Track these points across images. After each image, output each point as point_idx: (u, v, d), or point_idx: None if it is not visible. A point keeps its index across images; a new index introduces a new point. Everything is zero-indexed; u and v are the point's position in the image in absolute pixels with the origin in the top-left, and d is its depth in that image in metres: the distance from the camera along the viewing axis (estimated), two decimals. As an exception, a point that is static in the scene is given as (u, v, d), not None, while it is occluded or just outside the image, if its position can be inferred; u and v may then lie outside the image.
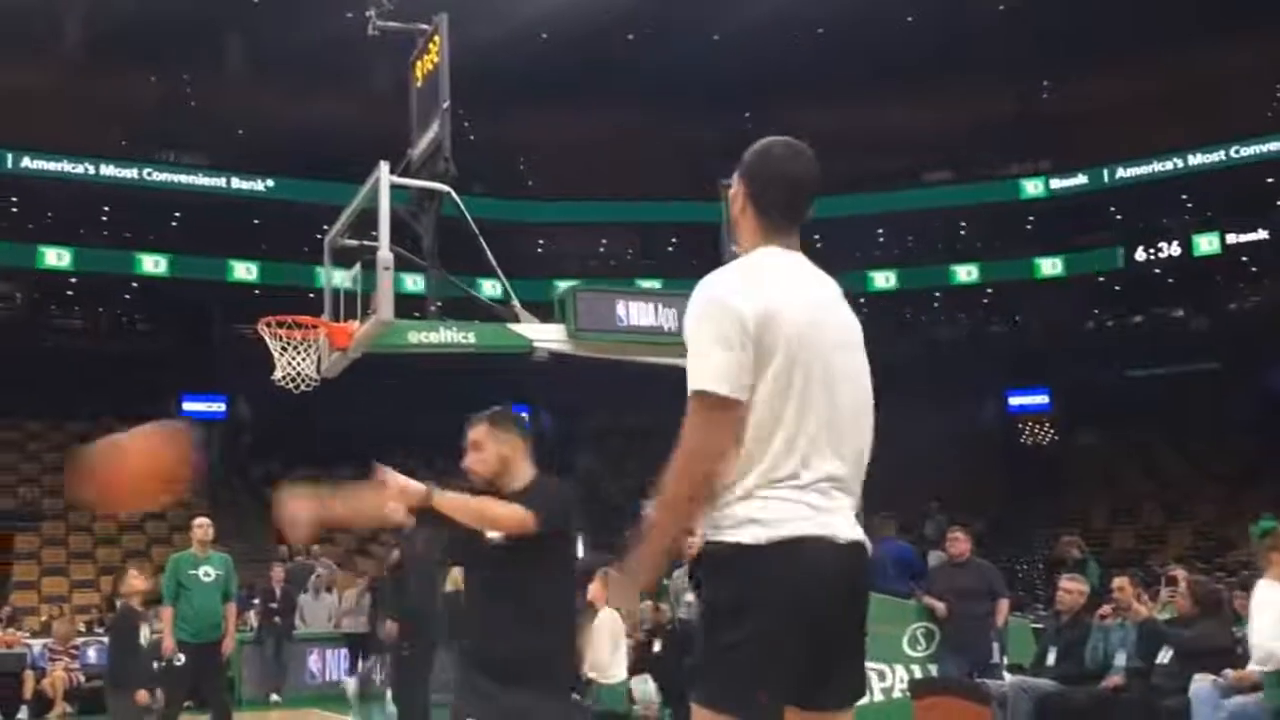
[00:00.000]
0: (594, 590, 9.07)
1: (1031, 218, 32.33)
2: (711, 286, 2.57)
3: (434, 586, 8.85)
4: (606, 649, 8.13)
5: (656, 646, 11.71)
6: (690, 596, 10.93)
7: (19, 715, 13.94)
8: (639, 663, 11.92)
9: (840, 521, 2.54)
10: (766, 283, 2.55)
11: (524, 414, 3.74)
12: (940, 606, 8.88)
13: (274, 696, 14.98)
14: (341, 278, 8.02)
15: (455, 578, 14.21)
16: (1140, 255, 31.08)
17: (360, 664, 15.40)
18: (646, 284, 25.86)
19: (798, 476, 2.50)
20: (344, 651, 15.72)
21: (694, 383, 2.50)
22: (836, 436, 2.56)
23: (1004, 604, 9.29)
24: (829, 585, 2.46)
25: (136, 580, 9.14)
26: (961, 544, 9.55)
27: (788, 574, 2.42)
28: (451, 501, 3.70)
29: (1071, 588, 8.58)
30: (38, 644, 15.06)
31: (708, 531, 2.53)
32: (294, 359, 7.89)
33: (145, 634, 9.54)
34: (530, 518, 3.70)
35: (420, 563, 8.33)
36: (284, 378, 7.87)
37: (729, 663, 2.41)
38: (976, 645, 8.94)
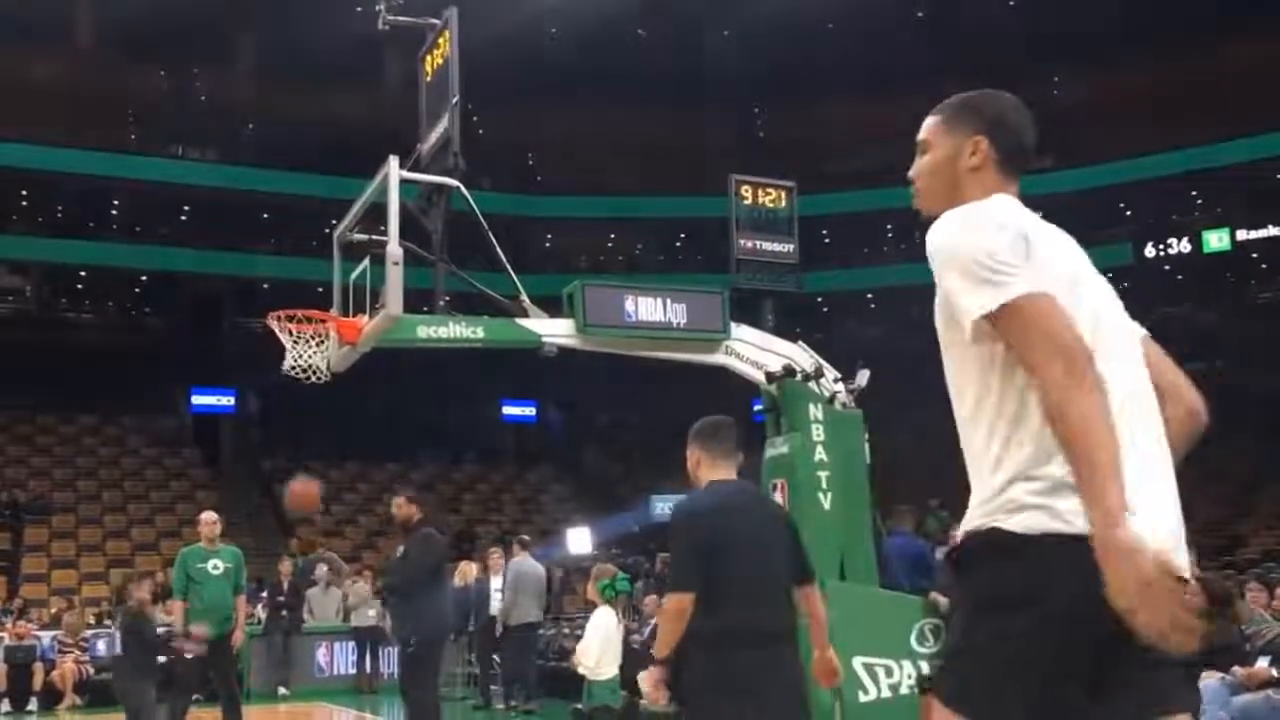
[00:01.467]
0: (590, 590, 9.09)
1: (1040, 213, 32.24)
2: (972, 209, 2.37)
3: (442, 581, 8.85)
4: (598, 646, 8.16)
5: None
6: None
7: (29, 707, 14.01)
8: (645, 659, 11.98)
9: (1160, 523, 2.13)
10: (1028, 216, 2.39)
11: (723, 424, 4.44)
12: (944, 601, 8.89)
13: (282, 689, 15.03)
14: (351, 272, 8.05)
15: (465, 571, 14.28)
16: (1150, 251, 31.02)
17: (369, 657, 15.46)
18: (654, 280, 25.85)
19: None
20: (352, 644, 15.77)
21: (996, 298, 2.16)
22: (1143, 404, 2.25)
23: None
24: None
25: (141, 591, 9.15)
26: (966, 541, 9.53)
27: (1080, 574, 2.00)
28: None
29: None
30: (47, 636, 15.12)
31: (983, 515, 2.19)
32: (304, 353, 7.91)
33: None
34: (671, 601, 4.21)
35: (428, 558, 8.33)
36: (293, 368, 7.89)
37: (992, 659, 2.11)
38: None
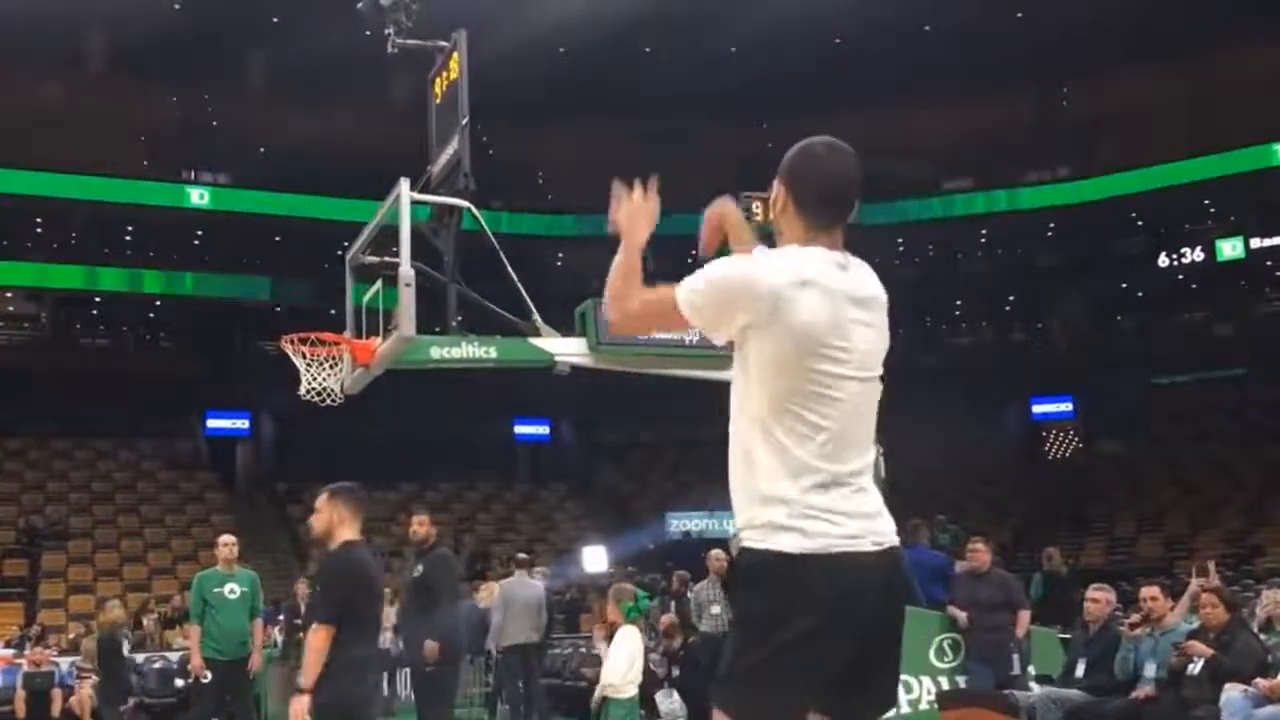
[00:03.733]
0: (610, 611, 9.03)
1: (1052, 225, 32.19)
2: (740, 262, 2.66)
3: (458, 602, 8.82)
4: (623, 666, 8.10)
5: (675, 671, 11.70)
6: (716, 609, 10.92)
7: (47, 733, 14.01)
8: (663, 679, 11.92)
9: (879, 525, 2.53)
10: (796, 268, 2.56)
11: (359, 490, 5.64)
12: (962, 616, 8.86)
13: (300, 712, 14.98)
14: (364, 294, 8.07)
15: (489, 590, 14.21)
16: (1163, 261, 30.91)
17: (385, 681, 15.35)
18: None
19: (833, 478, 2.49)
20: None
21: (682, 285, 2.65)
22: (862, 433, 2.57)
23: (1024, 615, 9.23)
24: (869, 596, 2.46)
25: (115, 611, 9.41)
26: (982, 555, 9.50)
27: (828, 584, 2.42)
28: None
29: (1099, 598, 8.50)
30: (66, 662, 15.13)
31: (745, 538, 2.52)
32: (318, 375, 7.92)
33: (126, 649, 9.76)
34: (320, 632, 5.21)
35: (446, 579, 8.31)
36: (308, 391, 7.91)
37: (760, 670, 2.41)
38: (996, 657, 8.89)
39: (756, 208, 8.93)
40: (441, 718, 8.17)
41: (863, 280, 2.65)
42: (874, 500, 2.56)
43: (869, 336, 2.60)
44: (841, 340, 2.53)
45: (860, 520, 2.50)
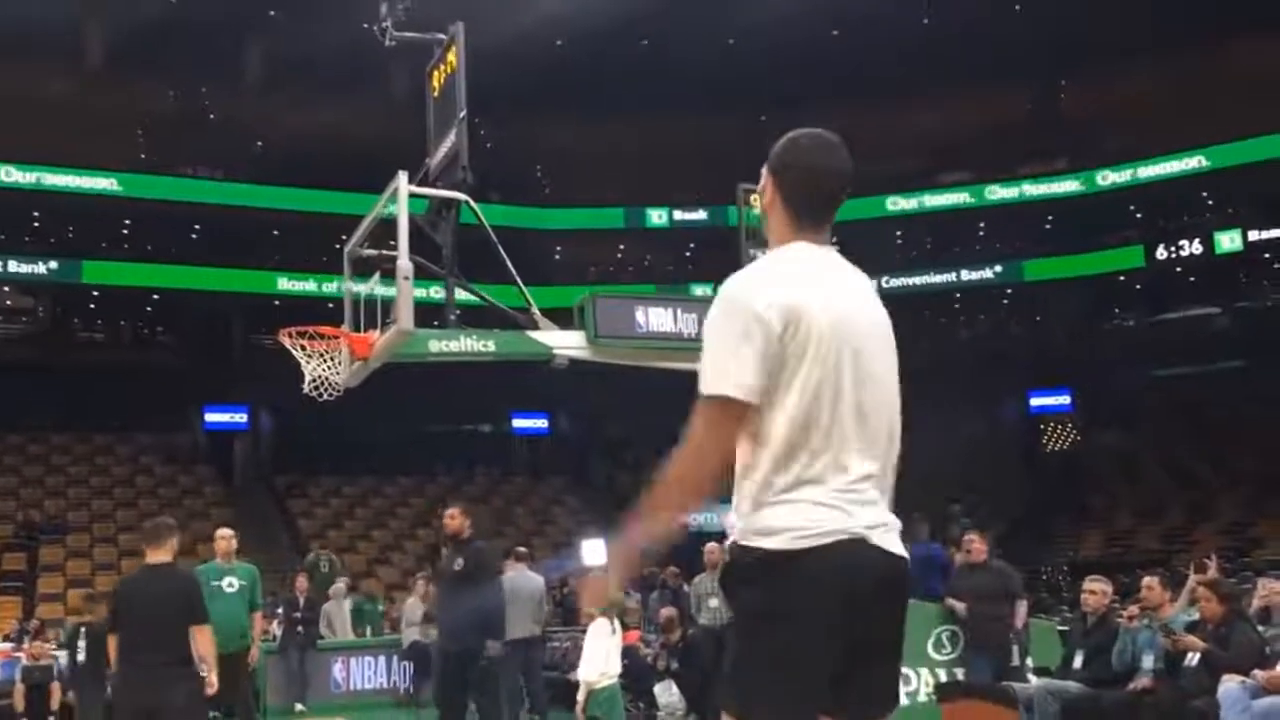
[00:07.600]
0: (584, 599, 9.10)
1: (1051, 217, 32.19)
2: (734, 284, 2.51)
3: (500, 592, 8.79)
4: (598, 661, 8.12)
5: (674, 664, 11.71)
6: (715, 602, 10.94)
7: (46, 727, 13.99)
8: (663, 672, 11.93)
9: (875, 523, 2.49)
10: (793, 278, 2.50)
11: (159, 525, 6.77)
12: (960, 607, 8.88)
13: (299, 706, 14.99)
14: (361, 288, 8.06)
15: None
16: (1161, 254, 30.90)
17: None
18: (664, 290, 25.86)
19: (831, 478, 2.46)
20: (369, 659, 15.73)
21: (707, 385, 2.47)
22: (869, 436, 2.51)
23: (1022, 606, 9.28)
24: (864, 590, 2.42)
25: (102, 608, 9.71)
26: (978, 547, 9.55)
27: (823, 579, 2.39)
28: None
29: (1096, 589, 8.51)
30: (64, 655, 15.11)
31: (739, 536, 2.50)
32: (316, 368, 7.92)
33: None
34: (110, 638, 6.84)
35: (491, 572, 8.31)
36: (312, 384, 7.91)
37: (761, 670, 2.40)
38: (995, 648, 8.92)
39: (754, 199, 8.93)
40: (495, 707, 8.25)
41: (851, 272, 2.70)
42: None
43: None
44: None
45: None
